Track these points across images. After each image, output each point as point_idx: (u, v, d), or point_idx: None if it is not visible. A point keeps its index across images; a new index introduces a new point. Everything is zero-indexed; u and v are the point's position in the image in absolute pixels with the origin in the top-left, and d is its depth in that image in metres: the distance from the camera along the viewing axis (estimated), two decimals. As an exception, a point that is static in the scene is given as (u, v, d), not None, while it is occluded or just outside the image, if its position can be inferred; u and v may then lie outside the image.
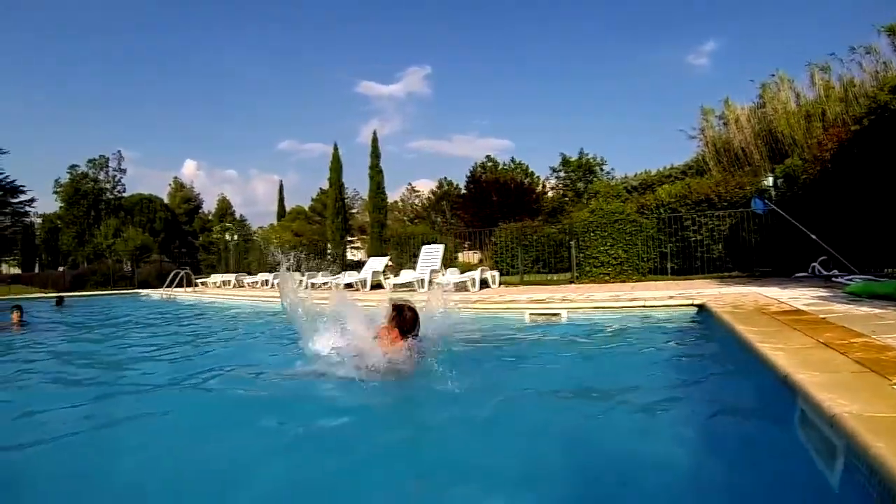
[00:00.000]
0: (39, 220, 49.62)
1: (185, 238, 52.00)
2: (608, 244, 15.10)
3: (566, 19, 60.38)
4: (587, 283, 14.92)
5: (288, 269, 7.01)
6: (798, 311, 6.27)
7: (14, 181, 46.91)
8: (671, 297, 9.04)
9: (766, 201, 13.30)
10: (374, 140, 28.27)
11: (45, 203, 55.82)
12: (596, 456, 3.55)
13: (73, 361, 8.09)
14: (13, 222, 46.96)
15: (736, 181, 15.54)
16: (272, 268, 22.85)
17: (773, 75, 21.36)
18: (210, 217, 58.00)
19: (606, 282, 14.69)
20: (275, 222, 47.43)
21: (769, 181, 14.57)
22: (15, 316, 12.21)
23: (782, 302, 7.32)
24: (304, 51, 66.84)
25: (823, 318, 5.54)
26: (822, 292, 8.31)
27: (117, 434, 4.27)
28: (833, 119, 17.89)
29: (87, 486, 3.35)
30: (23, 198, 47.88)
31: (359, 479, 3.28)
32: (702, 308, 8.11)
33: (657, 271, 15.54)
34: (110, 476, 3.49)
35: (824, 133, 14.97)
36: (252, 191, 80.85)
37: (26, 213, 48.54)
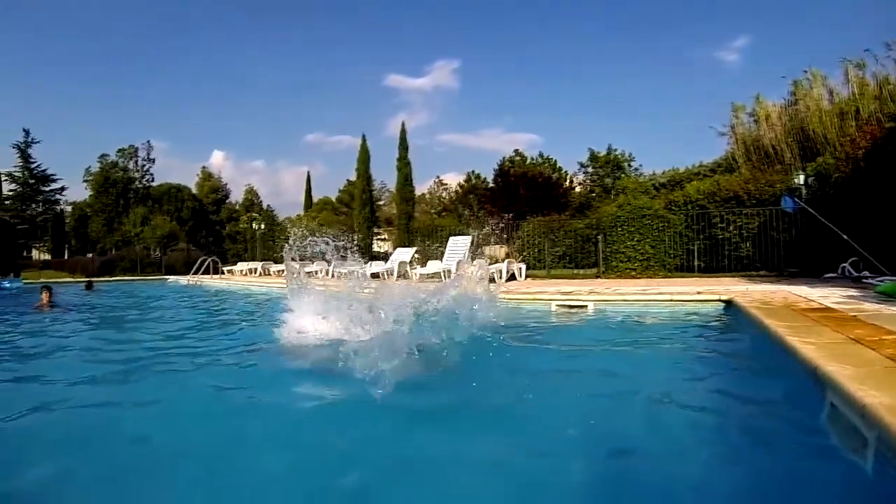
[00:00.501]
0: (69, 208, 50.44)
1: (212, 227, 52.42)
2: (635, 239, 15.05)
3: (594, 16, 59.75)
4: (613, 278, 14.89)
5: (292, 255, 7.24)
6: (828, 309, 6.23)
7: (45, 170, 48.11)
8: (698, 293, 9.00)
9: (797, 200, 13.15)
10: (403, 131, 28.27)
11: (75, 191, 56.72)
12: (618, 440, 3.58)
13: (103, 339, 8.32)
14: (44, 210, 47.98)
15: (766, 179, 15.38)
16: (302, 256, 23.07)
17: (806, 72, 21.00)
18: (237, 207, 58.48)
19: (633, 277, 14.65)
20: (301, 213, 47.82)
21: (800, 179, 14.36)
22: (45, 296, 12.39)
23: (812, 300, 7.27)
24: (331, 44, 66.93)
25: (854, 316, 5.51)
26: (852, 292, 8.23)
27: (146, 405, 4.41)
28: (867, 117, 17.56)
29: (118, 452, 3.50)
30: (54, 186, 49.08)
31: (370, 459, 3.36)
32: (729, 304, 8.09)
33: (684, 269, 15.46)
34: (140, 443, 3.63)
35: (858, 131, 14.77)
36: (279, 182, 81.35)
37: (57, 202, 49.68)
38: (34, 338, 8.51)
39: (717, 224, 15.22)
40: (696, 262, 15.44)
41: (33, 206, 47.90)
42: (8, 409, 4.14)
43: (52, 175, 48.53)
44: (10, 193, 47.45)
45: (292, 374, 5.39)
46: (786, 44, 47.72)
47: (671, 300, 8.89)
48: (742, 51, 54.27)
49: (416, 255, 18.98)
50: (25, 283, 19.31)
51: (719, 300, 8.40)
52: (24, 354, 6.92)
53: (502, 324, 7.55)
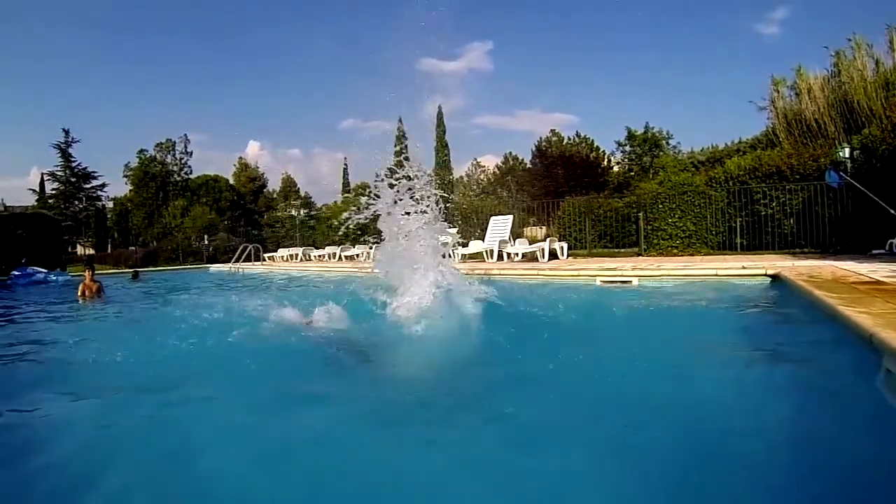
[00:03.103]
0: (111, 204, 51.68)
1: (250, 216, 53.22)
2: (677, 216, 15.00)
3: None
4: (654, 255, 14.88)
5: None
6: (878, 282, 6.21)
7: (86, 168, 49.52)
8: (744, 267, 9.01)
9: (842, 174, 12.86)
10: (440, 115, 28.53)
11: (115, 187, 57.86)
12: (676, 404, 3.67)
13: (162, 322, 8.50)
14: (86, 206, 49.41)
15: (809, 153, 15.09)
16: (340, 241, 23.55)
17: (850, 40, 20.38)
18: (275, 195, 59.16)
19: (674, 255, 14.62)
20: (339, 199, 48.29)
21: (845, 153, 14.01)
22: (88, 274, 12.06)
23: (861, 274, 7.24)
24: (362, 29, 67.08)
25: (906, 289, 5.50)
26: (902, 266, 8.16)
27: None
28: (915, 88, 17.13)
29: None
30: (95, 183, 50.52)
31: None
32: (776, 277, 8.09)
33: (726, 246, 15.30)
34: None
35: (904, 102, 14.44)
36: (316, 169, 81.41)
37: (98, 198, 51.06)
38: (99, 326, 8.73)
39: (759, 200, 14.98)
40: (738, 240, 15.26)
41: (76, 203, 49.33)
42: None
43: (93, 172, 49.85)
44: (54, 192, 48.95)
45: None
46: (827, 13, 46.19)
47: (717, 275, 8.91)
48: (782, 22, 52.72)
49: (458, 237, 19.11)
50: (73, 276, 19.86)
51: (765, 274, 8.40)
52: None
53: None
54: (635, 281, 9.16)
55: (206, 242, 31.65)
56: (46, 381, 4.91)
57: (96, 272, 12.89)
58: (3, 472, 2.98)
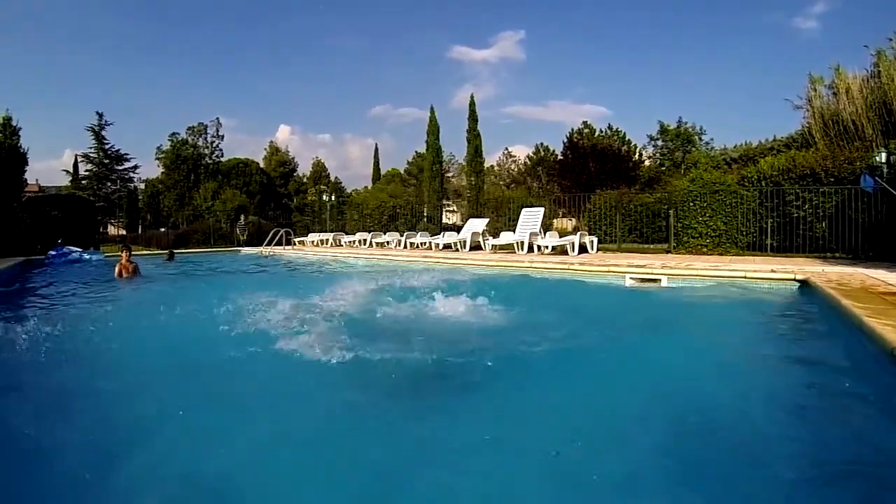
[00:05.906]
0: (143, 185, 52.77)
1: (280, 200, 53.85)
2: (707, 215, 14.97)
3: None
4: (684, 253, 14.90)
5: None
6: (908, 293, 6.27)
7: (119, 150, 51.12)
8: (773, 271, 9.05)
9: (877, 179, 12.76)
10: (472, 103, 28.56)
11: (147, 169, 59.20)
12: (695, 405, 3.87)
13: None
14: (119, 187, 50.63)
15: (845, 156, 14.88)
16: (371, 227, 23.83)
17: (891, 40, 19.89)
18: (305, 180, 59.72)
19: (704, 253, 14.61)
20: (370, 185, 48.66)
21: (881, 157, 13.78)
22: (124, 255, 12.36)
23: (890, 283, 7.28)
24: (394, 16, 67.08)
25: (935, 301, 5.55)
26: (934, 277, 8.16)
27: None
28: (958, 91, 16.76)
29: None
30: (127, 165, 52.29)
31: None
32: (804, 283, 8.14)
33: (755, 247, 15.20)
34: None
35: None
36: (346, 155, 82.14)
37: (130, 179, 52.87)
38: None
39: (791, 202, 14.82)
40: (768, 241, 15.14)
41: (108, 184, 50.82)
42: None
43: (126, 154, 51.61)
44: (87, 173, 50.68)
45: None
46: (868, 8, 45.13)
47: (745, 277, 8.97)
48: (820, 17, 51.66)
49: (485, 228, 19.24)
50: (106, 256, 20.27)
51: (794, 279, 8.45)
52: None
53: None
54: (664, 280, 9.28)
55: (244, 223, 31.87)
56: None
57: (132, 253, 13.14)
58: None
